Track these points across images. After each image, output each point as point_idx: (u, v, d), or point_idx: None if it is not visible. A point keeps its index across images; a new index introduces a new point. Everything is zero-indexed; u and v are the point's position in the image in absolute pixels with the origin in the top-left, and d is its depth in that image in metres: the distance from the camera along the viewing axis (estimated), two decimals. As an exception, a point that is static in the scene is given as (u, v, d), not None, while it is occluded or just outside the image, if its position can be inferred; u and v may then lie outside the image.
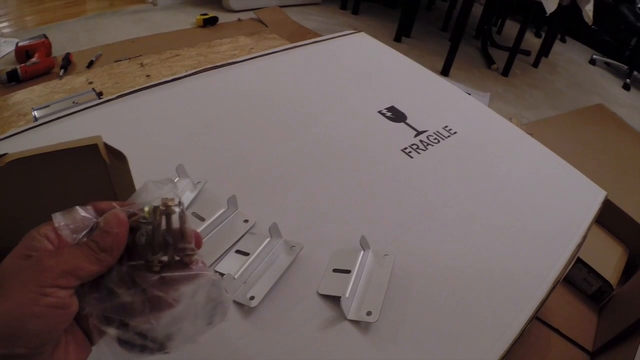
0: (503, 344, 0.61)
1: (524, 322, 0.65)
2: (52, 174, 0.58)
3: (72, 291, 0.34)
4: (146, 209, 0.37)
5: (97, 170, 0.58)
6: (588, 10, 2.64)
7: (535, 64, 3.21)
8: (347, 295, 0.61)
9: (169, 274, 0.37)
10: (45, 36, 2.16)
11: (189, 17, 2.79)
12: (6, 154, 0.54)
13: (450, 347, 0.60)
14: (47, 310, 0.32)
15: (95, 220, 0.38)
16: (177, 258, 0.37)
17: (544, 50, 3.27)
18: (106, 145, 0.56)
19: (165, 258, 0.37)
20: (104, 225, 0.36)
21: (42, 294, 0.32)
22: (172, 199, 0.38)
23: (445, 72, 2.74)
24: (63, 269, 0.33)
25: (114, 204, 0.39)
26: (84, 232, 0.37)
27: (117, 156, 0.58)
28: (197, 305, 0.38)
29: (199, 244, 0.39)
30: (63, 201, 0.60)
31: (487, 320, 0.64)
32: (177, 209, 0.37)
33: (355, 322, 0.60)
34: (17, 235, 0.60)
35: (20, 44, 2.09)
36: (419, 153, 0.91)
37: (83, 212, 0.38)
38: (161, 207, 0.37)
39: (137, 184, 0.63)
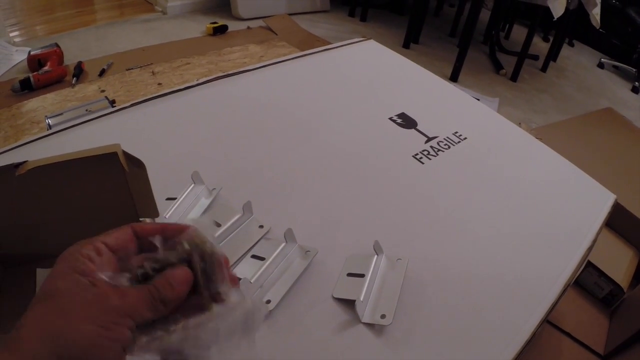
0: (514, 347, 0.62)
1: (534, 325, 0.65)
2: (71, 182, 0.59)
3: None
4: (186, 246, 0.39)
5: (115, 178, 0.59)
6: (595, 13, 2.64)
7: (544, 69, 3.21)
8: (361, 299, 0.62)
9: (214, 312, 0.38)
10: (57, 45, 2.19)
11: (199, 26, 2.81)
12: (26, 161, 0.55)
13: (462, 350, 0.61)
14: (110, 343, 0.34)
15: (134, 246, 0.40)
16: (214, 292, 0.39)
17: (552, 55, 3.27)
18: (125, 153, 0.57)
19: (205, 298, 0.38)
20: (171, 279, 0.37)
21: (107, 329, 0.33)
22: (205, 239, 0.40)
23: (454, 77, 2.75)
24: (125, 311, 0.35)
25: (154, 224, 0.41)
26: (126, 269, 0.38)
27: (136, 164, 0.60)
28: (232, 325, 0.39)
29: (234, 281, 0.41)
30: (81, 209, 0.61)
31: (499, 324, 0.65)
32: (209, 248, 0.39)
33: (370, 325, 0.61)
34: (35, 241, 0.62)
35: (32, 53, 2.13)
36: (430, 159, 0.92)
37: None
38: (196, 243, 0.39)
39: (154, 191, 0.64)
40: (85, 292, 0.35)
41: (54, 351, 0.32)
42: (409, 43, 3.08)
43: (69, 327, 0.33)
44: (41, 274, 0.63)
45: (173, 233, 0.40)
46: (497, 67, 3.05)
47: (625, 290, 1.23)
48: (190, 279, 0.38)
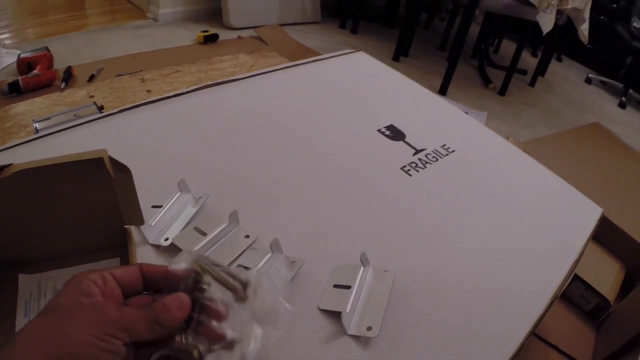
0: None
1: (522, 337, 0.65)
2: (56, 186, 0.58)
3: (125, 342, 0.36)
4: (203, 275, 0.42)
5: (101, 184, 0.59)
6: (584, 29, 2.68)
7: (532, 83, 3.24)
8: (347, 311, 0.62)
9: None
10: (47, 48, 2.18)
11: (190, 34, 2.81)
12: (11, 164, 0.55)
13: (449, 363, 0.61)
14: (103, 354, 0.34)
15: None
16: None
17: (541, 70, 3.30)
18: (111, 159, 0.57)
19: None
20: (168, 302, 0.39)
21: (101, 339, 0.34)
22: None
23: (443, 91, 2.77)
24: (122, 325, 0.36)
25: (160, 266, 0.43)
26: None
27: (122, 170, 0.59)
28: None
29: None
30: (66, 213, 0.61)
31: (486, 336, 0.65)
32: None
33: (356, 337, 0.61)
34: (20, 245, 0.61)
35: (22, 56, 2.11)
36: (417, 171, 0.92)
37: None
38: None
39: (140, 198, 0.63)
40: (84, 307, 0.36)
41: (47, 358, 0.32)
42: (399, 56, 3.09)
43: (64, 336, 0.34)
44: (23, 279, 0.62)
45: (177, 279, 0.42)
46: (486, 81, 3.08)
47: (611, 303, 1.24)
48: (187, 305, 0.39)
